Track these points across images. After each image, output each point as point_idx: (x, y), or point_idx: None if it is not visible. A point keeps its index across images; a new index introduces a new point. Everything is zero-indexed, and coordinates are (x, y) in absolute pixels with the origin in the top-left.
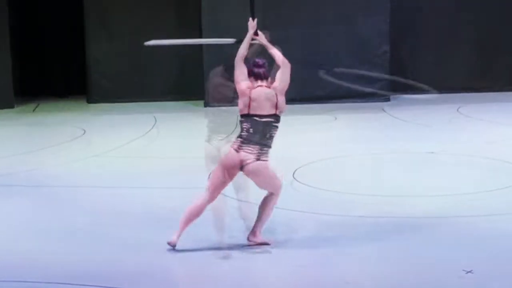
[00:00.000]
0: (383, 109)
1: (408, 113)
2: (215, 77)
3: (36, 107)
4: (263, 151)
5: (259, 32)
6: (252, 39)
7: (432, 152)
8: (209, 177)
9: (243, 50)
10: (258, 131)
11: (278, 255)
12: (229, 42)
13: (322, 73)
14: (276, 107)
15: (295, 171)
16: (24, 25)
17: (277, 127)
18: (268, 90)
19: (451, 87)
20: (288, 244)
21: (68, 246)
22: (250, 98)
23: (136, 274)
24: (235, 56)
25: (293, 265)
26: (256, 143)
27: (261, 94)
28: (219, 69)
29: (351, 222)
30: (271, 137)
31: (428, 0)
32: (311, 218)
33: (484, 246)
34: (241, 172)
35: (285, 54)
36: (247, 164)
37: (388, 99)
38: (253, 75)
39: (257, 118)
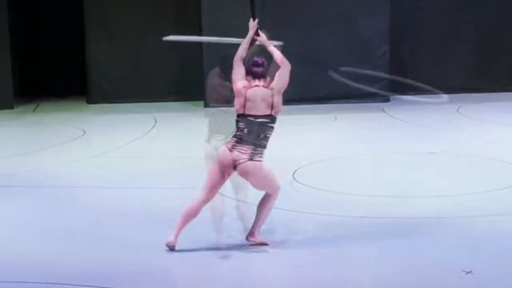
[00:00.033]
0: (383, 110)
1: (408, 113)
2: (212, 77)
3: (36, 107)
4: (257, 152)
5: (260, 32)
6: (254, 39)
7: (432, 153)
8: None
9: (242, 50)
10: (253, 131)
11: (278, 255)
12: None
13: (331, 72)
14: (272, 107)
15: (295, 171)
16: (24, 25)
17: (272, 127)
18: (264, 90)
19: (451, 87)
20: (287, 244)
21: (68, 246)
22: (245, 98)
23: (136, 274)
24: (233, 56)
25: (292, 265)
26: (249, 143)
27: (257, 94)
28: (216, 70)
29: (351, 223)
30: (266, 138)
31: (428, 0)
32: (311, 218)
33: (484, 246)
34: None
35: (285, 53)
36: (239, 163)
37: (388, 100)
38: (251, 74)
39: (252, 119)
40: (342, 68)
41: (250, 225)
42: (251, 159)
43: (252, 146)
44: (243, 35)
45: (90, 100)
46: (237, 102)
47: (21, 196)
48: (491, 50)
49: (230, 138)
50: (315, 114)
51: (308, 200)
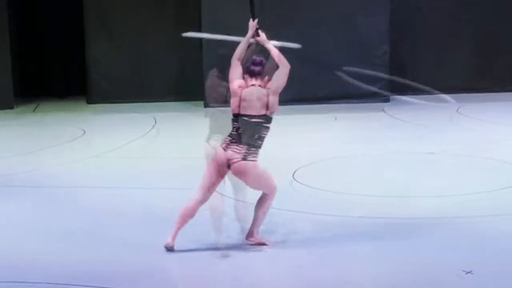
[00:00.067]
0: (383, 110)
1: (408, 113)
2: (211, 77)
3: (36, 107)
4: (251, 151)
5: (260, 33)
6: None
7: (432, 153)
8: None
9: (240, 49)
10: (247, 131)
11: (277, 255)
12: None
13: (337, 72)
14: (267, 107)
15: (295, 171)
16: (24, 25)
17: (267, 128)
18: (260, 89)
19: (451, 87)
20: (287, 244)
21: (68, 246)
22: (240, 97)
23: (136, 274)
24: (232, 55)
25: (292, 265)
26: (243, 143)
27: (252, 94)
28: (214, 70)
29: (350, 223)
30: (261, 138)
31: (428, 0)
32: (311, 218)
33: (484, 246)
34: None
35: (285, 53)
36: (233, 163)
37: (388, 100)
38: (248, 73)
39: (246, 118)
40: (344, 68)
41: (249, 225)
42: (244, 159)
43: (246, 146)
44: (243, 35)
45: (90, 100)
46: (232, 102)
47: (21, 196)
48: (491, 50)
49: (225, 138)
50: (315, 114)
51: (308, 200)
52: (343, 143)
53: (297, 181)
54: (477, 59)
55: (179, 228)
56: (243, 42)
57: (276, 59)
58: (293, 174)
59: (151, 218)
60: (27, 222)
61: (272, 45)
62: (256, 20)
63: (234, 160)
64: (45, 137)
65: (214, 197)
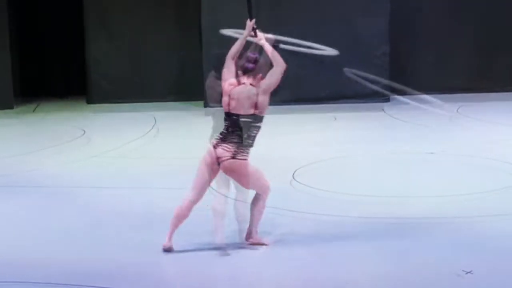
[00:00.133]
0: (382, 110)
1: (408, 113)
2: (210, 78)
3: (36, 107)
4: (240, 150)
5: (258, 33)
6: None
7: (431, 153)
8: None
9: (235, 49)
10: (236, 130)
11: (277, 255)
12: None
13: (347, 72)
14: (256, 107)
15: (295, 171)
16: (24, 25)
17: (258, 127)
18: (250, 88)
19: (451, 87)
20: (287, 245)
21: (68, 246)
22: (229, 96)
23: (136, 274)
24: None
25: (292, 265)
26: (233, 142)
27: (242, 92)
28: (213, 71)
29: (350, 223)
30: (250, 137)
31: (428, 0)
32: (311, 218)
33: (484, 246)
34: None
35: (285, 53)
36: (222, 161)
37: (388, 100)
38: (241, 69)
39: (236, 117)
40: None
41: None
42: (233, 157)
43: (236, 145)
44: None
45: (90, 100)
46: (223, 100)
47: (21, 196)
48: (491, 50)
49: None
50: (315, 114)
51: (308, 200)
52: (343, 143)
53: (297, 181)
54: (477, 59)
55: (174, 229)
56: (238, 41)
57: (273, 58)
58: (293, 174)
59: (151, 218)
60: (27, 222)
61: (269, 45)
62: (253, 20)
63: (224, 158)
64: (45, 137)
65: (218, 198)
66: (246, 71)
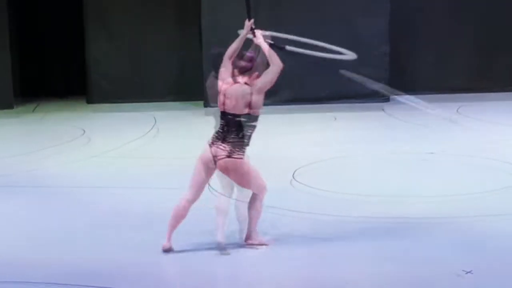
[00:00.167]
0: (382, 110)
1: (408, 113)
2: (210, 78)
3: (36, 107)
4: (236, 149)
5: (257, 33)
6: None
7: (431, 153)
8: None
9: (232, 49)
10: (231, 129)
11: (277, 255)
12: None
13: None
14: (250, 106)
15: (295, 171)
16: (24, 25)
17: (253, 126)
18: (244, 87)
19: (451, 87)
20: (287, 245)
21: (68, 246)
22: (224, 96)
23: (136, 274)
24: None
25: (292, 265)
26: (227, 141)
27: (236, 92)
28: (212, 71)
29: (350, 223)
30: (245, 136)
31: (428, 0)
32: (311, 218)
33: (483, 246)
34: None
35: (285, 53)
36: (218, 159)
37: (388, 100)
38: (237, 68)
39: (230, 116)
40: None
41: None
42: (229, 156)
43: (231, 144)
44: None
45: (90, 100)
46: (218, 99)
47: (21, 196)
48: (491, 50)
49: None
50: (315, 114)
51: (308, 200)
52: (343, 143)
53: (297, 181)
54: (477, 59)
55: (172, 230)
56: (236, 41)
57: (270, 57)
58: (293, 174)
59: (151, 218)
60: (27, 222)
61: (266, 45)
62: (252, 20)
63: (219, 157)
64: (45, 137)
65: (222, 199)
66: (242, 70)
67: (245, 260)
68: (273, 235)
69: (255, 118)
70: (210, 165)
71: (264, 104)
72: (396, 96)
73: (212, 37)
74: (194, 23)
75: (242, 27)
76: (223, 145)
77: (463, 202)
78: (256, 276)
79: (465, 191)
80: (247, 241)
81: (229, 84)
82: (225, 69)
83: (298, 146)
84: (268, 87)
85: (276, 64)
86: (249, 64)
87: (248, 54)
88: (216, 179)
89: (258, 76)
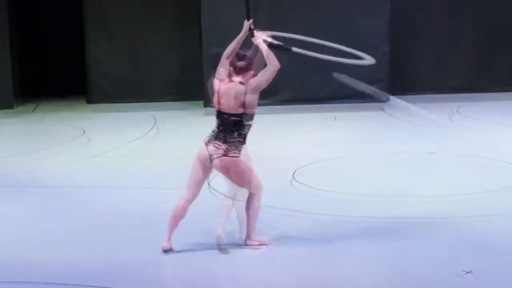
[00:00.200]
0: (382, 110)
1: (408, 113)
2: (211, 77)
3: (36, 107)
4: (231, 148)
5: (256, 33)
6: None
7: (431, 153)
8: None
9: (230, 49)
10: (226, 128)
11: (277, 255)
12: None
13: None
14: (244, 106)
15: (295, 171)
16: (24, 25)
17: (248, 125)
18: (239, 86)
19: (451, 87)
20: (287, 245)
21: (68, 246)
22: (219, 94)
23: (136, 274)
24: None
25: (291, 266)
26: (222, 140)
27: (230, 91)
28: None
29: (350, 223)
30: (241, 135)
31: (428, 0)
32: (310, 218)
33: (483, 246)
34: None
35: (285, 53)
36: (214, 158)
37: (388, 100)
38: (233, 66)
39: (225, 116)
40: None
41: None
42: (225, 155)
43: (226, 143)
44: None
45: (90, 100)
46: (213, 99)
47: (21, 196)
48: (491, 50)
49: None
50: (315, 114)
51: (308, 200)
52: (343, 143)
53: (297, 181)
54: (477, 59)
55: (172, 230)
56: (234, 41)
57: (265, 57)
58: (293, 174)
59: (151, 218)
60: (27, 222)
61: (264, 45)
62: (251, 21)
63: (215, 156)
64: (45, 137)
65: (226, 200)
66: (236, 69)
67: (245, 260)
68: (273, 235)
69: (250, 117)
70: (207, 164)
71: (264, 104)
72: (395, 96)
73: (212, 37)
74: (194, 23)
75: (241, 27)
76: (219, 143)
77: (463, 202)
78: (256, 276)
79: (465, 191)
80: (247, 241)
81: (224, 83)
82: (223, 69)
83: (298, 146)
84: (263, 86)
85: (273, 65)
86: (243, 63)
87: (242, 52)
88: (221, 180)
89: (254, 75)
